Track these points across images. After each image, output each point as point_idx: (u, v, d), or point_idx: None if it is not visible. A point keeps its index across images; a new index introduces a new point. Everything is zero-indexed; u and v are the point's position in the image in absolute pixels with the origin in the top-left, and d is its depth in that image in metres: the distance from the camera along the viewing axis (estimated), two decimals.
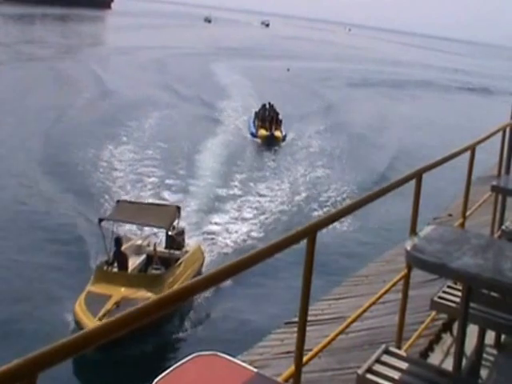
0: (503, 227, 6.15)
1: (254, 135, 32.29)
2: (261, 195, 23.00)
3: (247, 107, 39.89)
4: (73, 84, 42.76)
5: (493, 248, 3.75)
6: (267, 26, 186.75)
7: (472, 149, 5.48)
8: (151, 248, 15.62)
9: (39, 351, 1.60)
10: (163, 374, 2.27)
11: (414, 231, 4.08)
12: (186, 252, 15.68)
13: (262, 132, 31.79)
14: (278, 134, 32.03)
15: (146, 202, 18.39)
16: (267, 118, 32.83)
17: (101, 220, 14.60)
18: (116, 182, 22.68)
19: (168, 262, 14.72)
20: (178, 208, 15.98)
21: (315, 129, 35.80)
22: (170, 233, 15.86)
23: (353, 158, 29.50)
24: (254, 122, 33.40)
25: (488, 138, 6.09)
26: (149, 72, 52.25)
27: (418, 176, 4.11)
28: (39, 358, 1.59)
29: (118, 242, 14.45)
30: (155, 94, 41.76)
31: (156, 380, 2.23)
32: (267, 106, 34.05)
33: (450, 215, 9.49)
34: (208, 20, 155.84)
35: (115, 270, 14.32)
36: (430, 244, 3.46)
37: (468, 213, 5.90)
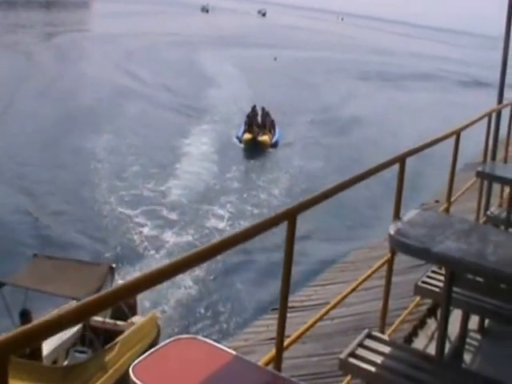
0: (488, 213, 6.19)
1: (239, 139, 30.12)
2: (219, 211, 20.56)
3: (232, 98, 39.38)
4: (43, 72, 41.85)
5: (476, 233, 3.76)
6: (264, 15, 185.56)
7: (457, 134, 5.48)
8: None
9: (11, 333, 1.58)
10: (141, 358, 2.25)
11: (397, 216, 4.08)
12: (133, 324, 11.76)
13: (246, 136, 29.59)
14: (263, 138, 29.56)
15: (70, 258, 12.92)
16: (254, 121, 30.64)
17: (1, 284, 10.75)
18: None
19: (110, 337, 11.16)
20: (111, 268, 11.84)
21: (299, 127, 33.77)
22: None
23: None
24: (245, 125, 31.01)
25: (473, 123, 6.09)
26: (132, 60, 51.70)
27: (401, 160, 4.10)
28: (11, 340, 1.56)
29: (25, 315, 10.43)
30: (131, 84, 40.96)
31: (134, 364, 2.21)
32: (259, 108, 31.66)
33: (437, 201, 9.54)
34: (205, 10, 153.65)
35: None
36: (413, 228, 3.46)
37: (453, 198, 5.91)
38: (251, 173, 26.10)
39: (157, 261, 15.93)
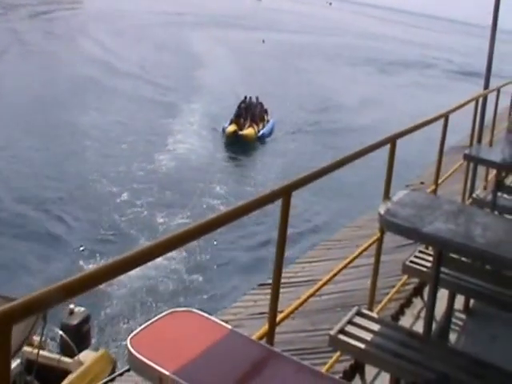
0: (474, 195, 6.26)
1: (224, 130, 28.19)
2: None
3: (217, 79, 39.02)
4: (32, 47, 41.50)
5: (464, 214, 3.81)
6: None
7: (445, 117, 5.53)
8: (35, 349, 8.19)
9: (14, 303, 1.58)
10: (137, 330, 2.28)
11: (387, 196, 4.12)
12: (80, 364, 9.15)
13: (229, 128, 27.74)
14: (247, 132, 27.68)
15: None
16: (244, 112, 28.83)
17: None
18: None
19: (52, 378, 8.72)
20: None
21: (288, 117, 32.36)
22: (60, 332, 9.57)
23: None
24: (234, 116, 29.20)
25: (461, 107, 6.17)
26: (123, 39, 51.20)
27: (392, 141, 4.15)
28: (13, 310, 1.57)
29: None
30: (120, 63, 40.60)
31: (130, 336, 2.24)
32: (253, 99, 29.92)
33: (422, 183, 9.60)
34: None
35: None
36: (403, 208, 3.49)
37: (440, 181, 5.98)
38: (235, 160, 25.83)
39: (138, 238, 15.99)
